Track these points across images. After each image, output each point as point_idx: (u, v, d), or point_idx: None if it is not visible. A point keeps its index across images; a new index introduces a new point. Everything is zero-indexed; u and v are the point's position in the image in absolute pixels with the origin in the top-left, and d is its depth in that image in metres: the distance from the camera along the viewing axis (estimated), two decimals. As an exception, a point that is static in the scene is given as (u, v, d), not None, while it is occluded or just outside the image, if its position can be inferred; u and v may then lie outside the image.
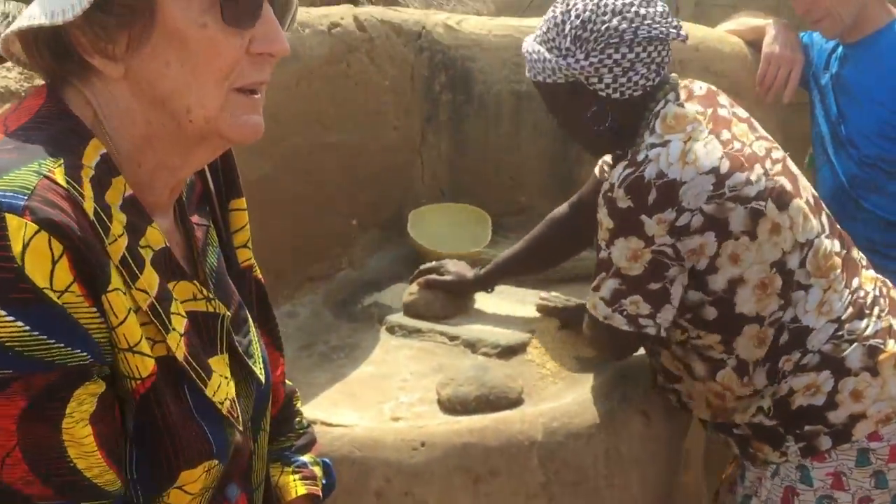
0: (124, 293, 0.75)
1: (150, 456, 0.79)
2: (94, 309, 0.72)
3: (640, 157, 1.48)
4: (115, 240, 0.76)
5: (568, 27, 1.50)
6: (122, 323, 0.74)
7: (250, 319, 0.98)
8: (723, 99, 1.63)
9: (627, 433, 1.64)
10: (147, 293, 0.78)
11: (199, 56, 0.78)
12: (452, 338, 1.93)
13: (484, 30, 2.44)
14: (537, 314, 1.99)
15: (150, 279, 0.79)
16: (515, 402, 1.70)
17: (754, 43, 2.31)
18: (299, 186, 2.13)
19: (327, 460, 1.17)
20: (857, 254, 1.67)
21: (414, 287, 2.04)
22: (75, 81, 0.80)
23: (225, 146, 0.88)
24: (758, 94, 2.25)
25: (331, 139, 2.20)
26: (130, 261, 0.77)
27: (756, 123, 1.64)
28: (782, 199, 1.51)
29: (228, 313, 0.91)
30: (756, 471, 1.63)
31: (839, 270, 1.57)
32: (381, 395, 1.77)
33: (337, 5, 2.31)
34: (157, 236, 0.82)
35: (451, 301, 2.02)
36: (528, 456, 1.55)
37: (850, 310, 1.55)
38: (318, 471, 1.13)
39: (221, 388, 0.86)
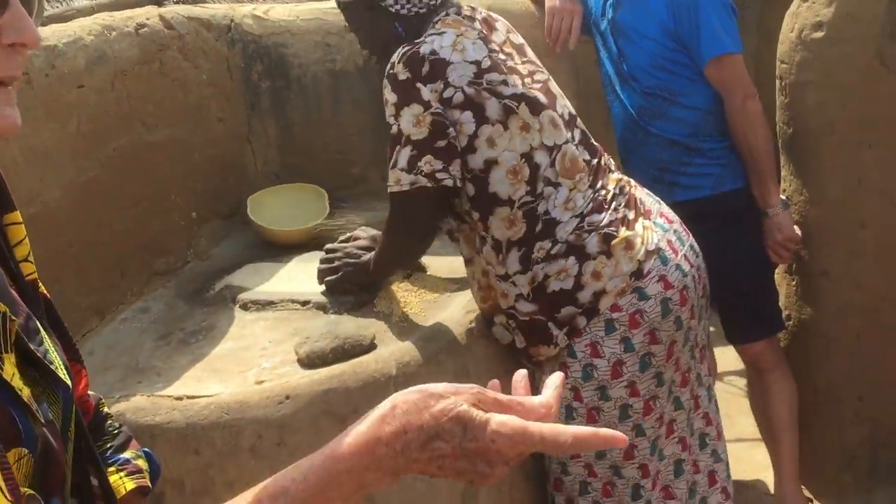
0: None
1: None
2: None
3: (418, 41, 1.72)
4: None
5: None
6: None
7: (41, 329, 0.95)
8: (500, 25, 1.89)
9: (472, 355, 1.81)
10: None
11: None
12: (304, 303, 2.05)
13: (292, 16, 2.55)
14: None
15: None
16: (369, 349, 1.83)
17: (537, 1, 2.54)
18: (132, 186, 2.18)
19: (147, 450, 1.20)
20: (605, 160, 1.92)
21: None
22: None
23: None
24: (548, 46, 2.48)
25: (156, 137, 2.25)
26: None
27: (528, 51, 1.91)
28: (535, 107, 1.76)
29: (11, 315, 0.87)
30: (540, 367, 1.84)
31: (584, 174, 1.82)
32: (244, 365, 1.86)
33: (140, 7, 2.35)
34: None
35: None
36: (386, 390, 1.69)
37: (591, 205, 1.80)
38: (142, 463, 1.16)
39: (16, 379, 0.83)
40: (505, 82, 1.73)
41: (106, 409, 1.20)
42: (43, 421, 0.84)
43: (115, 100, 2.11)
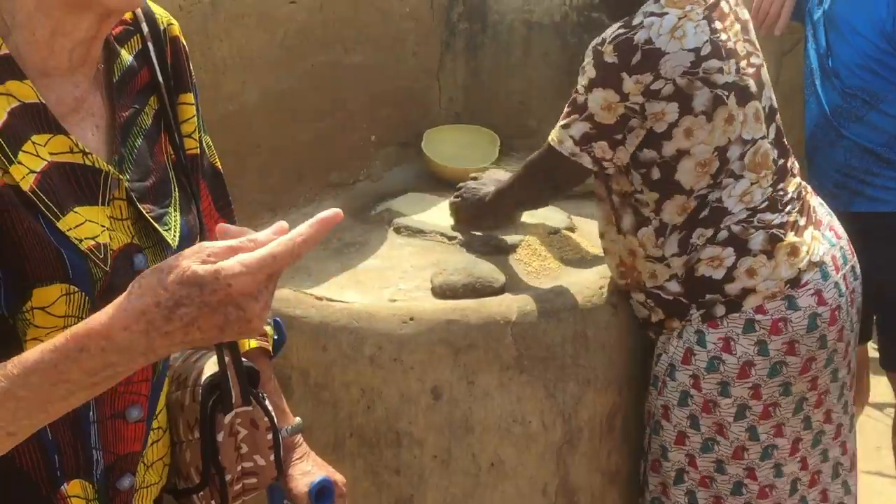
0: None
1: (6, 267, 0.91)
2: None
3: (636, 22, 1.67)
4: None
5: None
6: None
7: (176, 197, 1.09)
8: None
9: (594, 320, 1.85)
10: None
11: None
12: (451, 238, 2.16)
13: (501, -37, 2.61)
14: (532, 220, 2.20)
15: None
16: (499, 292, 1.92)
17: (751, -23, 2.44)
18: (323, 101, 2.36)
19: (278, 319, 1.35)
20: (791, 163, 1.85)
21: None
22: None
23: (109, 13, 0.98)
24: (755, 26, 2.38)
25: (352, 60, 2.41)
26: None
27: (751, 27, 1.84)
28: (744, 96, 1.70)
29: (116, 173, 1.01)
30: (665, 335, 1.84)
31: (770, 171, 1.76)
32: (383, 283, 2.01)
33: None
34: (24, 91, 0.94)
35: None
36: (504, 332, 1.78)
37: (767, 203, 1.75)
38: (268, 328, 1.31)
39: (86, 228, 0.95)
40: (721, 70, 1.67)
41: None
42: (123, 269, 0.98)
43: (321, 20, 2.28)
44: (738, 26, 1.77)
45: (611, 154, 1.71)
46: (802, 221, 1.79)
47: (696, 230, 1.75)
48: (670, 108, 1.66)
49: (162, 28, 1.12)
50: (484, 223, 2.13)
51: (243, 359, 1.21)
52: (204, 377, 1.18)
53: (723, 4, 1.74)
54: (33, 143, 0.94)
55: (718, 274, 1.74)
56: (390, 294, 1.96)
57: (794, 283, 1.74)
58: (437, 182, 2.50)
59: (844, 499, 1.93)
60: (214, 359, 1.18)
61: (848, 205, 2.21)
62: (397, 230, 2.23)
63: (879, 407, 2.93)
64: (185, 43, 1.15)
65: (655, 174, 1.73)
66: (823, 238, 1.81)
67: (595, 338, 1.85)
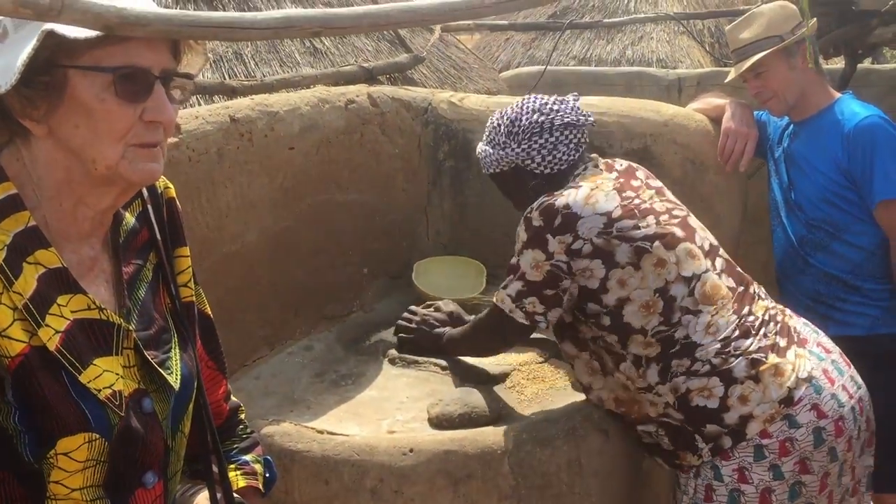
0: (0, 293, 0.99)
1: (32, 423, 1.02)
2: None
3: (556, 192, 1.91)
4: None
5: (502, 127, 2.04)
6: None
7: (175, 342, 1.20)
8: (640, 173, 2.05)
9: (587, 447, 1.90)
10: (21, 295, 1.01)
11: (99, 122, 1.03)
12: (444, 368, 2.23)
13: (483, 106, 2.80)
14: (521, 350, 2.29)
15: (24, 285, 1.01)
16: (494, 421, 1.98)
17: (716, 119, 2.64)
18: (318, 238, 2.47)
19: (269, 458, 1.43)
20: (754, 289, 1.97)
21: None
22: (17, 140, 1.07)
23: (131, 187, 1.12)
24: (719, 164, 2.57)
25: (346, 198, 2.55)
26: (7, 270, 1.01)
27: (667, 192, 2.05)
28: (670, 242, 1.87)
29: (126, 325, 1.12)
30: (684, 476, 1.89)
31: (727, 300, 1.87)
32: (381, 414, 2.06)
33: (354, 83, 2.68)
34: (49, 258, 1.06)
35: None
36: (501, 462, 1.82)
37: (738, 331, 1.84)
38: (258, 467, 1.38)
39: (104, 379, 1.06)
40: (637, 226, 1.86)
41: (242, 416, 1.45)
42: (135, 413, 1.09)
43: (317, 163, 2.42)
44: (652, 192, 1.99)
45: (542, 308, 1.89)
46: (783, 342, 1.87)
47: (673, 361, 1.84)
48: (595, 265, 1.85)
49: (160, 191, 1.25)
50: (431, 356, 2.28)
51: (235, 495, 1.28)
52: None
53: (633, 181, 1.98)
54: (58, 304, 1.05)
55: (713, 404, 1.81)
56: (388, 425, 2.01)
57: (788, 401, 1.80)
58: (427, 312, 2.59)
59: None
60: (206, 493, 1.25)
61: (822, 329, 2.32)
62: (392, 361, 2.30)
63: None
64: (178, 203, 1.28)
65: (605, 321, 1.88)
66: (811, 355, 1.89)
67: (589, 465, 1.90)
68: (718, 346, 1.83)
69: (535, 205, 1.90)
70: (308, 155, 2.39)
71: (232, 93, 2.90)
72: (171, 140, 1.96)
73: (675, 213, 1.96)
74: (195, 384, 1.21)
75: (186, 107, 2.38)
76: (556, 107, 2.02)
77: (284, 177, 2.32)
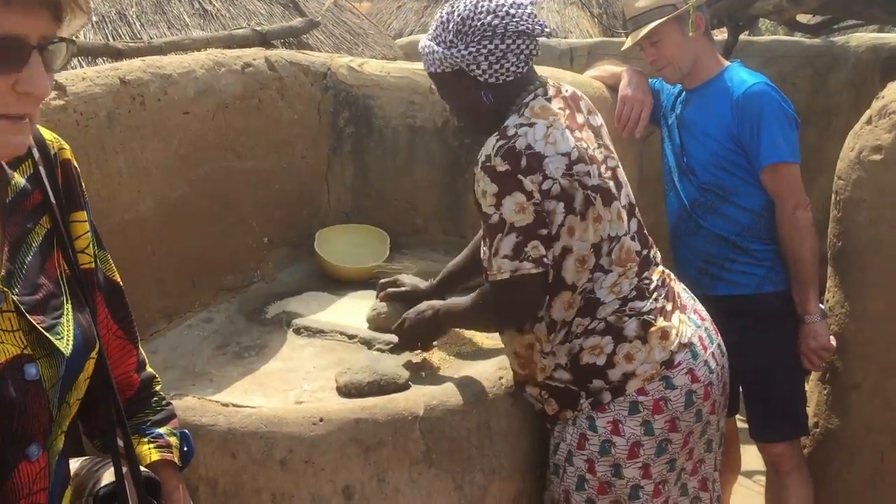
0: None
1: None
2: None
3: (510, 133, 1.79)
4: None
5: (451, 24, 1.83)
6: None
7: (69, 307, 1.15)
8: (583, 105, 1.97)
9: (496, 410, 1.93)
10: None
11: None
12: (351, 336, 2.21)
13: (383, 71, 2.76)
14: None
15: None
16: (403, 388, 1.98)
17: (613, 86, 2.70)
18: (216, 206, 2.39)
19: (186, 431, 1.38)
20: (653, 253, 2.02)
21: (377, 304, 2.24)
22: None
23: None
24: (616, 130, 2.62)
25: (244, 166, 2.47)
26: None
27: (604, 133, 1.99)
28: (608, 198, 1.86)
29: (4, 287, 1.08)
30: (561, 422, 1.94)
31: (634, 263, 1.92)
32: (287, 385, 2.03)
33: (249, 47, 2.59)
34: None
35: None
36: (412, 428, 1.82)
37: (635, 293, 1.89)
38: (173, 440, 1.34)
39: None
40: (589, 173, 1.82)
41: (157, 388, 1.39)
42: (13, 380, 1.04)
43: (214, 128, 2.34)
44: (591, 133, 1.93)
45: (545, 250, 1.77)
46: (669, 307, 1.94)
47: (575, 320, 1.87)
48: (558, 208, 1.79)
49: (53, 152, 1.19)
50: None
51: (143, 469, 1.23)
52: (101, 485, 1.20)
53: (577, 116, 1.92)
54: None
55: (601, 361, 1.86)
56: (296, 396, 1.98)
57: (668, 364, 1.87)
58: (331, 281, 2.56)
59: None
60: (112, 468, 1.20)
61: (710, 289, 2.43)
62: (297, 331, 2.25)
63: (749, 475, 3.13)
64: (76, 165, 1.22)
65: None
66: (690, 321, 1.97)
67: (498, 428, 1.92)
68: (617, 305, 1.88)
69: (490, 151, 1.77)
70: (204, 120, 2.30)
71: (118, 55, 2.76)
72: (58, 102, 1.84)
73: (609, 163, 1.93)
74: (92, 353, 1.15)
75: (69, 68, 2.24)
76: (512, 11, 1.81)
77: (180, 143, 2.22)
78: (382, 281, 2.29)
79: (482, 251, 1.83)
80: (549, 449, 1.98)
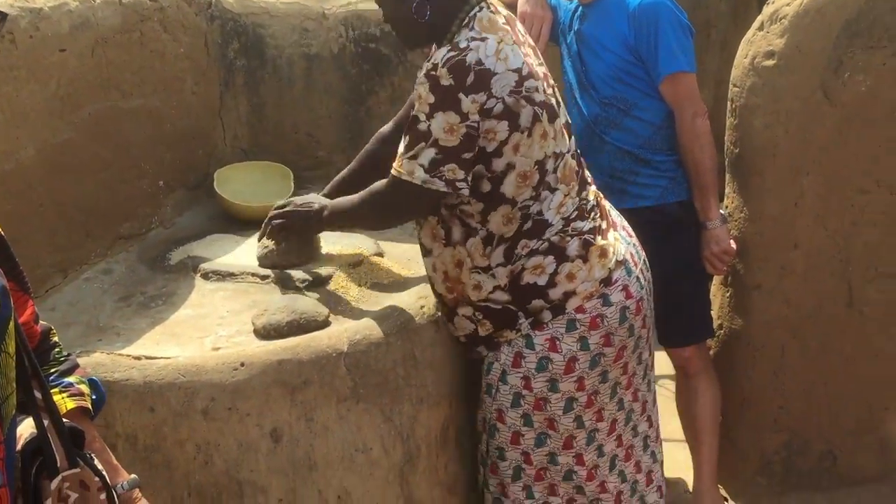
0: None
1: None
2: None
3: (463, 45, 1.74)
4: None
5: None
6: None
7: None
8: (519, 26, 1.95)
9: (420, 340, 1.91)
10: None
11: None
12: (264, 277, 2.14)
13: (272, -2, 2.63)
14: (341, 249, 2.23)
15: None
16: (324, 325, 1.93)
17: (511, 4, 2.65)
18: (104, 150, 2.24)
19: (94, 378, 1.34)
20: (586, 173, 2.04)
21: (265, 240, 2.15)
22: None
23: None
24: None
25: (130, 105, 2.32)
26: None
27: (539, 54, 1.98)
28: (552, 114, 1.85)
29: None
30: (493, 345, 1.94)
31: (575, 182, 1.93)
32: (201, 332, 1.95)
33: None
34: None
35: (303, 248, 2.16)
36: (337, 365, 1.79)
37: (577, 213, 1.91)
38: (84, 388, 1.30)
39: None
40: (537, 88, 1.80)
41: (55, 339, 1.33)
42: None
43: (94, 66, 2.17)
44: (531, 50, 1.92)
45: (462, 174, 1.76)
46: (604, 225, 1.97)
47: (521, 241, 1.86)
48: (501, 127, 1.76)
49: None
50: (301, 256, 2.13)
51: (65, 419, 1.18)
52: (21, 443, 1.13)
53: (517, 32, 1.89)
54: None
55: (542, 280, 1.87)
56: (212, 342, 1.91)
57: (607, 281, 1.91)
58: (233, 221, 2.46)
59: (653, 467, 2.16)
60: (30, 421, 1.14)
61: (617, 203, 2.46)
62: (205, 276, 2.16)
63: (660, 380, 3.26)
64: None
65: (485, 187, 1.81)
66: (622, 238, 2.01)
67: (423, 357, 1.91)
68: (561, 225, 1.88)
69: (438, 60, 1.72)
70: (83, 57, 2.13)
71: (-26, -10, 2.50)
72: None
73: (549, 80, 1.92)
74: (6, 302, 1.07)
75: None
76: None
77: (58, 83, 2.05)
78: (272, 213, 2.16)
79: (401, 145, 1.80)
80: (482, 370, 1.99)
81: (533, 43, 1.98)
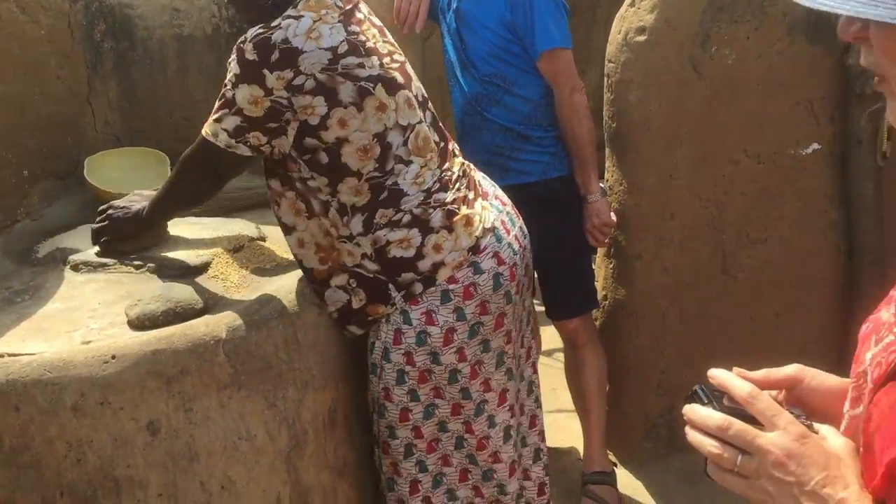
0: None
1: None
2: None
3: (274, 24, 1.77)
4: None
5: None
6: None
7: None
8: (363, 7, 1.95)
9: (302, 322, 1.89)
10: None
11: None
12: (138, 266, 2.06)
13: (138, -23, 2.53)
14: (221, 235, 2.18)
15: None
16: (201, 312, 1.88)
17: (390, -17, 2.63)
18: (-41, 140, 2.11)
19: None
20: (451, 146, 2.06)
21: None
22: None
23: None
24: (396, 27, 2.57)
25: (-12, 91, 2.19)
26: None
27: (388, 33, 2.00)
28: (392, 86, 1.86)
29: None
30: (374, 324, 1.95)
31: (434, 154, 1.94)
32: (71, 326, 1.86)
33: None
34: None
35: (139, 241, 2.11)
36: (216, 352, 1.75)
37: (438, 184, 1.93)
38: None
39: None
40: (362, 65, 1.80)
41: None
42: None
43: (-58, 49, 2.04)
44: (375, 31, 1.93)
45: (265, 139, 1.80)
46: (471, 195, 1.99)
47: (378, 211, 1.87)
48: (318, 102, 1.78)
49: None
50: (141, 241, 2.10)
51: None
52: None
53: (357, 14, 1.90)
54: None
55: (409, 253, 1.88)
56: (82, 336, 1.82)
57: (475, 249, 1.93)
58: (108, 211, 2.35)
59: (536, 411, 2.19)
60: None
61: (499, 180, 2.48)
62: (75, 267, 2.07)
63: (549, 353, 3.33)
64: None
65: (324, 158, 1.82)
66: (492, 207, 2.03)
67: (306, 339, 1.89)
68: (422, 197, 1.89)
69: (248, 35, 1.75)
70: (-72, 40, 2.00)
71: None
72: None
73: (395, 56, 1.93)
74: None
75: None
76: None
77: None
78: (101, 208, 2.13)
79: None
80: (367, 349, 1.98)
81: (380, 24, 2.00)
